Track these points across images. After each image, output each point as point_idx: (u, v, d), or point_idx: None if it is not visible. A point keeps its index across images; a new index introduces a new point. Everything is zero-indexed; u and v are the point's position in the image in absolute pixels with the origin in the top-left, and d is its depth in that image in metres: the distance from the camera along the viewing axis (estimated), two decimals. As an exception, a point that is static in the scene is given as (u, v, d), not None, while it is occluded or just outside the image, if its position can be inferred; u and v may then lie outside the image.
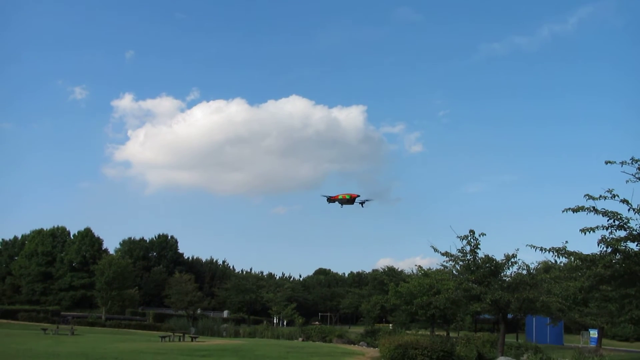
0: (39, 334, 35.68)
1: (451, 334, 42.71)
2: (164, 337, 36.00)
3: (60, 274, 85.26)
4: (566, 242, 19.04)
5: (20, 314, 56.95)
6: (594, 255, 18.67)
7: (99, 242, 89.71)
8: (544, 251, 19.01)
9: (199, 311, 67.98)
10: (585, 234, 17.42)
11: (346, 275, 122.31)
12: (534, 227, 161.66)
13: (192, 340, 36.40)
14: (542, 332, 53.50)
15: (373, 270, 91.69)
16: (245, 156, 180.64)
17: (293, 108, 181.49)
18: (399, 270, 76.11)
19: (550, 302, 22.73)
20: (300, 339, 45.60)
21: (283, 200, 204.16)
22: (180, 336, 38.07)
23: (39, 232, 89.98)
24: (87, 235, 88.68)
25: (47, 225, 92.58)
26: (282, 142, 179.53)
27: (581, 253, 18.90)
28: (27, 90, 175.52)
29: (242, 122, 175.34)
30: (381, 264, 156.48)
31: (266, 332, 51.93)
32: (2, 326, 44.37)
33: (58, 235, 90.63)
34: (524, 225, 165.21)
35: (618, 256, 18.44)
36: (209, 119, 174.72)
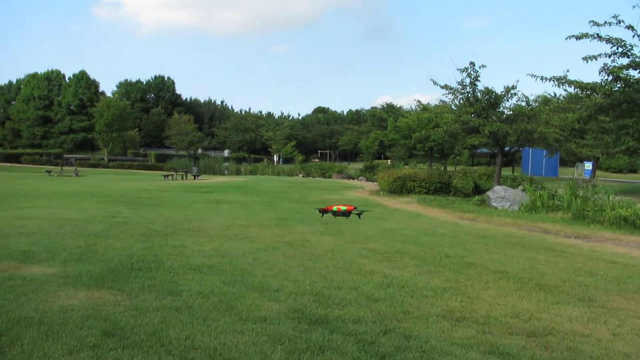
0: (44, 176, 36.33)
1: (448, 169, 43.53)
2: (167, 176, 36.74)
3: (59, 118, 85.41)
4: (567, 70, 18.76)
5: (23, 157, 57.77)
6: (594, 83, 18.47)
7: (95, 84, 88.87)
8: (544, 80, 18.77)
9: (199, 151, 68.90)
10: (587, 62, 17.08)
11: (345, 113, 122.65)
12: (536, 61, 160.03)
13: (194, 179, 37.21)
14: (537, 165, 54.56)
15: (372, 108, 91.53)
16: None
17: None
18: (398, 106, 75.98)
19: (548, 132, 22.80)
20: (300, 176, 46.65)
21: (281, 39, 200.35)
22: (182, 175, 38.85)
23: (33, 76, 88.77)
24: (82, 78, 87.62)
25: (41, 70, 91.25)
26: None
27: (582, 82, 18.68)
28: None
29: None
30: (380, 101, 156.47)
31: (267, 170, 53.02)
32: (7, 169, 45.13)
33: (53, 78, 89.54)
34: (525, 59, 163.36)
35: (619, 84, 18.26)
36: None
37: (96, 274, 7.22)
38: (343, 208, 5.18)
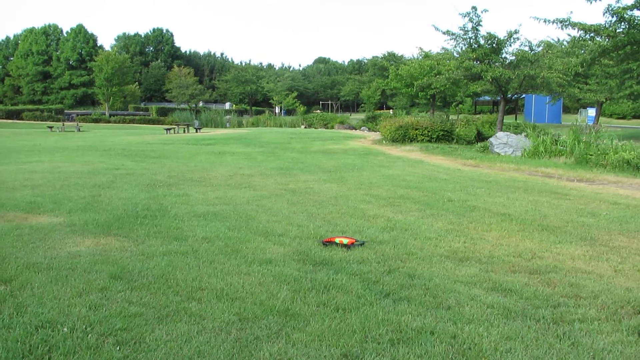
0: (46, 132, 36.30)
1: (451, 117, 43.30)
2: (169, 129, 36.64)
3: (58, 73, 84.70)
4: (571, 12, 18.53)
5: (24, 113, 57.62)
6: (598, 25, 18.23)
7: (93, 38, 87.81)
8: (547, 22, 18.52)
9: (201, 104, 68.49)
10: (590, 2, 16.83)
11: (346, 63, 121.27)
12: (539, 4, 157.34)
13: (196, 132, 37.12)
14: (540, 112, 54.25)
15: (373, 57, 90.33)
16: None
17: None
18: (400, 55, 75.00)
19: (551, 77, 22.57)
20: (302, 127, 46.50)
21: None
22: (184, 128, 38.76)
23: (31, 31, 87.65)
24: (80, 32, 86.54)
25: (38, 24, 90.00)
26: None
27: (585, 24, 18.43)
28: None
29: None
30: (382, 50, 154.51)
31: (269, 122, 52.77)
32: (9, 126, 45.06)
33: (51, 33, 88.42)
34: (528, 2, 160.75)
35: (623, 26, 18.02)
36: None
37: (102, 222, 7.29)
38: (345, 241, 5.36)
